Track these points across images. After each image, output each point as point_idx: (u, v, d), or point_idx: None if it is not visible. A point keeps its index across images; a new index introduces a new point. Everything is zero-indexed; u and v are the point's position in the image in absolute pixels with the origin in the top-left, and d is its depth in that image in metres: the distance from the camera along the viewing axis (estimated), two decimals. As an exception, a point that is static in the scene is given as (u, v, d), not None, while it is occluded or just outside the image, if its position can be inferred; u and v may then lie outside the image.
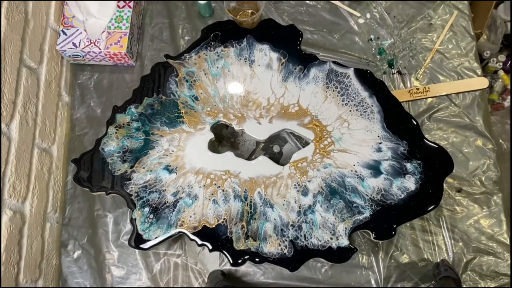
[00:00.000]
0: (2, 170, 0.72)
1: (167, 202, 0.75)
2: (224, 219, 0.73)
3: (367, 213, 0.72)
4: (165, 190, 0.76)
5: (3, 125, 0.73)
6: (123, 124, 0.81)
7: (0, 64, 0.72)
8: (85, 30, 0.91)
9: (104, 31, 0.91)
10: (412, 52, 0.95)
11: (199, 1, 0.94)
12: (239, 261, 0.71)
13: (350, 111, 0.78)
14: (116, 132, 0.80)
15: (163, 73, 0.83)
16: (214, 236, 0.72)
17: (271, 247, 0.71)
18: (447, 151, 0.75)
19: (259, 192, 0.75)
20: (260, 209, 0.74)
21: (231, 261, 0.71)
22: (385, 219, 0.72)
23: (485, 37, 1.31)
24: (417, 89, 0.91)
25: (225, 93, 0.81)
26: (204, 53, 0.84)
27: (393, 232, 0.71)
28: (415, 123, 0.76)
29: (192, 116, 0.80)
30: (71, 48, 0.90)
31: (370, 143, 0.76)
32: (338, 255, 0.71)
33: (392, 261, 0.82)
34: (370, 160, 0.75)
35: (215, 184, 0.76)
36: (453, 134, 0.90)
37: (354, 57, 0.95)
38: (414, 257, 0.82)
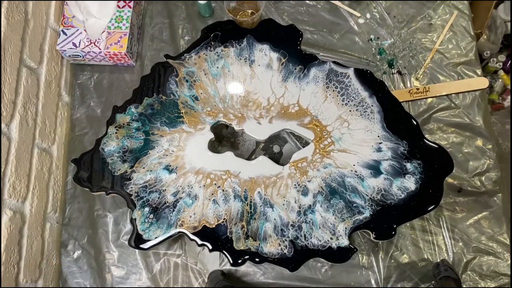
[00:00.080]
0: (2, 170, 0.72)
1: (167, 202, 0.75)
2: (224, 219, 0.73)
3: (367, 213, 0.72)
4: (165, 190, 0.76)
5: (3, 125, 0.73)
6: (123, 124, 0.81)
7: (0, 64, 0.72)
8: (85, 30, 0.91)
9: (104, 31, 0.91)
10: (412, 52, 0.95)
11: (199, 1, 0.94)
12: (239, 261, 0.71)
13: (350, 111, 0.78)
14: (116, 132, 0.80)
15: (163, 73, 0.83)
16: (214, 236, 0.72)
17: (271, 247, 0.71)
18: (447, 151, 0.75)
19: (259, 192, 0.75)
20: (260, 209, 0.74)
21: (231, 261, 0.71)
22: (385, 219, 0.72)
23: (485, 37, 1.31)
24: (417, 89, 0.91)
25: (225, 93, 0.81)
26: (204, 53, 0.84)
27: (393, 232, 0.71)
28: (415, 123, 0.76)
29: (192, 116, 0.80)
30: (71, 48, 0.90)
31: (370, 143, 0.76)
32: (338, 255, 0.71)
33: (392, 261, 0.82)
34: (370, 160, 0.75)
35: (215, 184, 0.76)
36: (453, 134, 0.90)
37: (354, 57, 0.95)
38: (414, 257, 0.82)
